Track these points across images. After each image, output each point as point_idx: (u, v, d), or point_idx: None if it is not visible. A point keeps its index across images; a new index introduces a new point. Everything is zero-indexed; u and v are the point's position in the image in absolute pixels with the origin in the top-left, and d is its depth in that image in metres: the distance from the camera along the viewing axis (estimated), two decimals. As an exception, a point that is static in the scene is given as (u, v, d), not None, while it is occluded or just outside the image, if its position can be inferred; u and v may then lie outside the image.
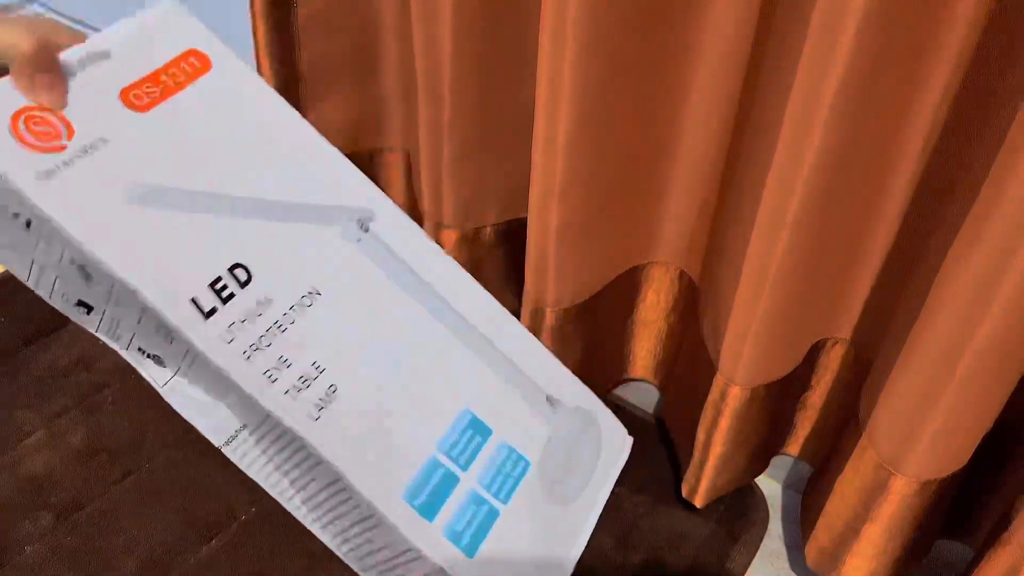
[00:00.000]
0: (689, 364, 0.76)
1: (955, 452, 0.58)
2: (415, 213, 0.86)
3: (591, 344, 0.77)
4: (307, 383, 0.39)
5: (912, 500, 0.60)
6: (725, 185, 0.66)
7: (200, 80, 0.42)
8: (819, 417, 0.75)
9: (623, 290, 0.77)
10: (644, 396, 0.88)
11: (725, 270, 0.64)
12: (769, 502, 0.80)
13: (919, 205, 0.57)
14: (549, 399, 0.46)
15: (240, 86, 0.43)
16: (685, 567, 0.73)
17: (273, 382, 0.38)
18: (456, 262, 0.45)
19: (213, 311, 0.37)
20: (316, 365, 0.39)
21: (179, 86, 0.41)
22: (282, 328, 0.39)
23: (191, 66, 0.42)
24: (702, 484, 0.74)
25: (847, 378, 0.70)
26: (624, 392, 0.89)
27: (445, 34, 0.64)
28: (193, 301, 0.37)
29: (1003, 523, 0.55)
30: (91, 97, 0.39)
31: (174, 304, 0.37)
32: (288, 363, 0.38)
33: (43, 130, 0.37)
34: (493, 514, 0.41)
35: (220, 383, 0.39)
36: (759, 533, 0.78)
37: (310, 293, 0.41)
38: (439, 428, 0.41)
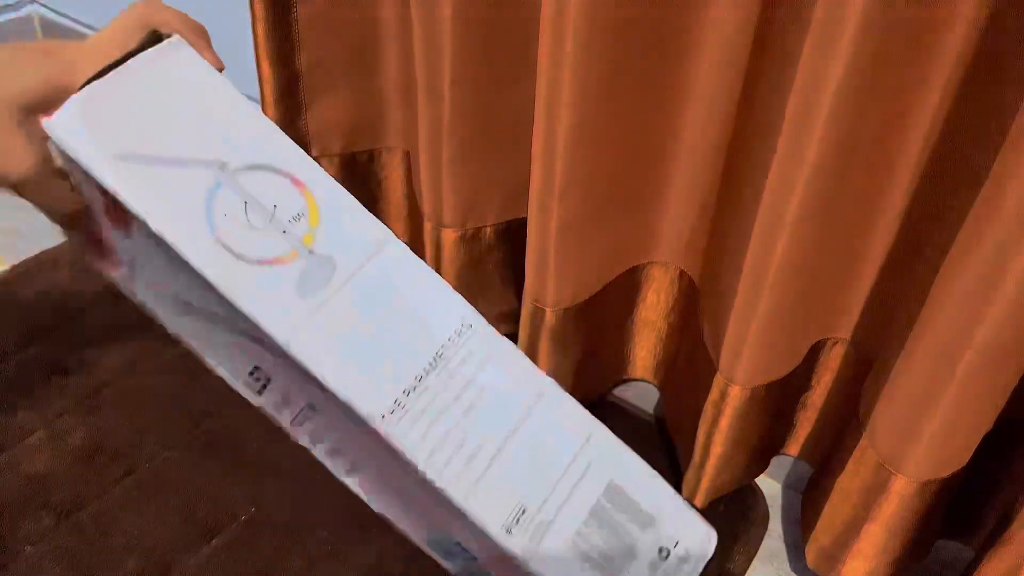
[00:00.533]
0: (689, 364, 0.76)
1: (955, 452, 0.58)
2: (415, 213, 0.86)
3: (591, 344, 0.77)
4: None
5: (912, 500, 0.60)
6: (725, 185, 0.66)
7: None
8: (819, 417, 0.75)
9: (623, 290, 0.77)
10: (644, 396, 0.88)
11: (725, 270, 0.64)
12: (769, 502, 0.80)
13: (919, 205, 0.57)
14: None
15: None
16: (685, 567, 0.73)
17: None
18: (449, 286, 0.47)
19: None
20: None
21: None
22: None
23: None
24: (702, 484, 0.74)
25: (847, 378, 0.70)
26: (624, 392, 0.89)
27: (445, 34, 0.64)
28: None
29: (1003, 523, 0.55)
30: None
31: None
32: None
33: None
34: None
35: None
36: (759, 533, 0.78)
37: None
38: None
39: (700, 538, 0.46)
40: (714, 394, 0.68)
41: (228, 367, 0.40)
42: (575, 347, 0.75)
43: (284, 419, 0.40)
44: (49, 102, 0.37)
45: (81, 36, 0.42)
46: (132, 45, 0.39)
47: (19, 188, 0.40)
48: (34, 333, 0.88)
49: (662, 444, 0.83)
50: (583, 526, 0.42)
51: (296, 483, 0.74)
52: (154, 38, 0.40)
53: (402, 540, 0.43)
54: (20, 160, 0.38)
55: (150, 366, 0.86)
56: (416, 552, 0.44)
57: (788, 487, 0.83)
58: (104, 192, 0.37)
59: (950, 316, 0.50)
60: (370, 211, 0.43)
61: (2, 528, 0.71)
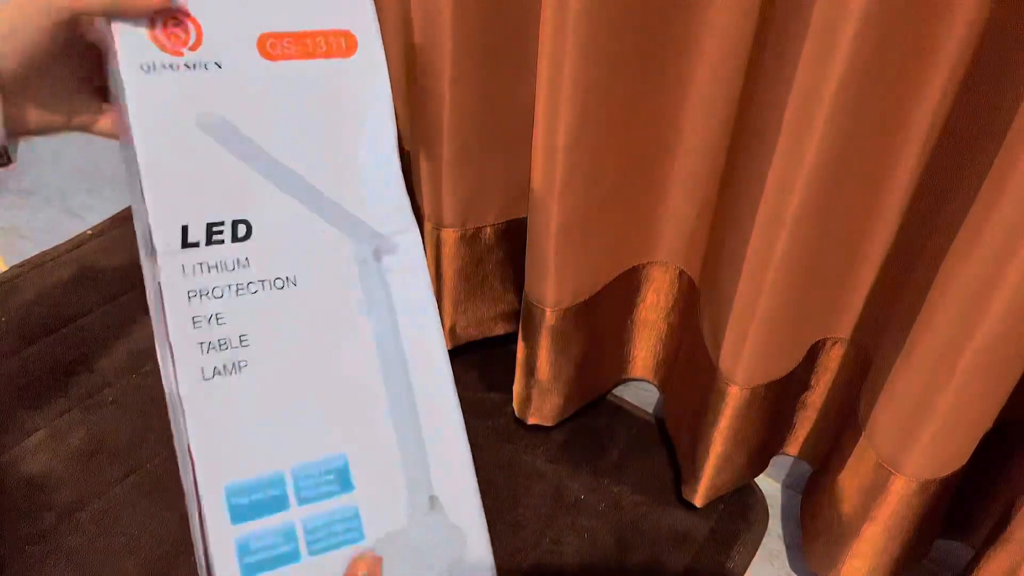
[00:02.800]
0: (689, 364, 0.76)
1: (955, 452, 0.58)
2: (414, 213, 0.86)
3: (591, 344, 0.77)
4: (224, 347, 0.39)
5: (912, 500, 0.60)
6: (725, 185, 0.66)
7: (335, 61, 0.43)
8: (819, 417, 0.75)
9: (623, 290, 0.77)
10: (644, 396, 0.88)
11: (725, 270, 0.64)
12: (769, 502, 0.81)
13: (919, 205, 0.57)
14: (432, 499, 0.43)
15: (363, 85, 0.44)
16: (685, 567, 0.73)
17: (195, 328, 0.39)
18: (441, 336, 0.45)
19: (194, 244, 0.40)
20: (243, 338, 0.40)
21: (313, 55, 0.43)
22: (239, 292, 0.40)
23: (337, 45, 0.44)
24: (702, 484, 0.74)
25: (847, 378, 0.70)
26: (624, 392, 0.89)
27: (445, 33, 0.64)
28: (183, 228, 0.39)
29: (1002, 523, 0.55)
30: (234, 25, 0.41)
31: (165, 222, 0.39)
32: (221, 321, 0.40)
33: (174, 32, 0.40)
34: (292, 558, 0.39)
35: (154, 300, 0.40)
36: (759, 533, 0.78)
37: (287, 279, 0.41)
38: (306, 454, 0.40)
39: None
40: (714, 394, 0.68)
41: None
42: (575, 347, 0.75)
43: None
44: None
45: None
46: None
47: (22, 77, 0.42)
48: (34, 333, 0.88)
49: (662, 444, 0.83)
50: None
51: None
52: None
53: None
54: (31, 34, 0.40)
55: (150, 366, 0.86)
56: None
57: (788, 487, 0.83)
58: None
59: (949, 316, 0.51)
60: None
61: (3, 528, 0.71)
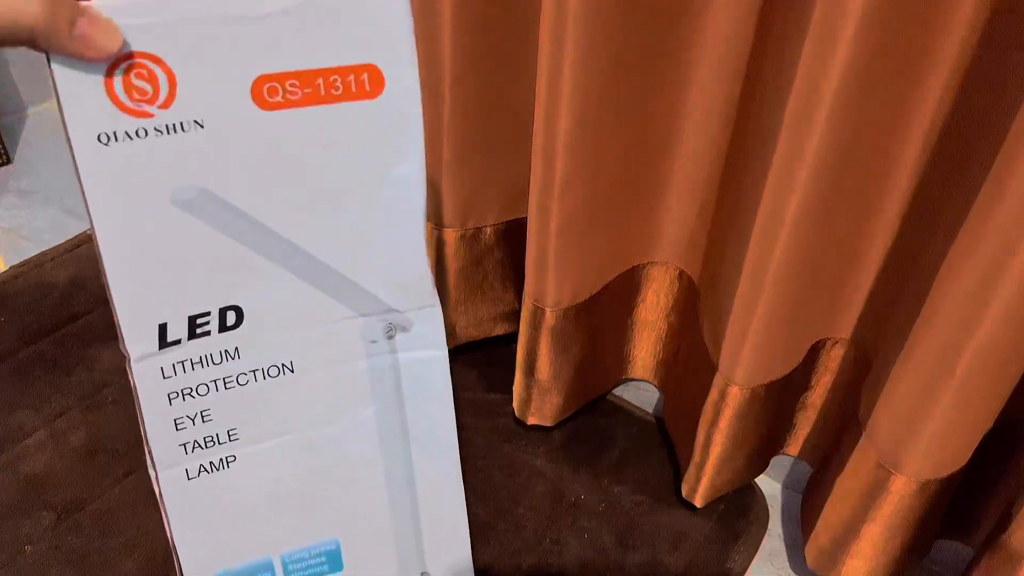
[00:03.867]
0: (689, 364, 0.76)
1: (955, 452, 0.58)
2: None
3: (591, 344, 0.77)
4: (210, 445, 0.35)
5: (912, 500, 0.60)
6: (725, 185, 0.66)
7: (355, 104, 0.34)
8: (819, 417, 0.75)
9: (623, 290, 0.77)
10: (644, 396, 0.88)
11: (725, 270, 0.64)
12: (769, 502, 0.80)
13: (919, 205, 0.57)
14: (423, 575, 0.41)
15: (389, 132, 0.35)
16: (685, 566, 0.73)
17: (177, 431, 0.35)
18: (452, 420, 0.40)
19: (175, 343, 0.34)
20: (232, 432, 0.36)
21: (327, 99, 0.33)
22: (228, 385, 0.35)
23: (358, 84, 0.33)
24: (702, 484, 0.74)
25: (847, 378, 0.70)
26: (624, 392, 0.89)
27: (445, 33, 0.64)
28: (161, 328, 0.34)
29: (1003, 523, 0.55)
30: (219, 69, 0.31)
31: (139, 324, 0.33)
32: (208, 418, 0.35)
33: (141, 86, 0.30)
34: None
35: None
36: (759, 533, 0.78)
37: (283, 366, 0.36)
38: (297, 540, 0.38)
39: None
40: (714, 394, 0.68)
41: None
42: (575, 347, 0.75)
43: None
44: None
45: None
46: None
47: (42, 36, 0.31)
48: (34, 333, 0.88)
49: (662, 444, 0.83)
50: None
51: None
52: None
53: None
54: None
55: (150, 366, 0.86)
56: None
57: (788, 487, 0.83)
58: None
59: (950, 316, 0.50)
60: None
61: (2, 528, 0.71)
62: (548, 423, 0.81)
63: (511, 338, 0.81)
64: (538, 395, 0.79)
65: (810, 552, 0.71)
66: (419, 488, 0.41)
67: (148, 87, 0.30)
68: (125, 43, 0.29)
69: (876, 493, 0.61)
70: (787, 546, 0.78)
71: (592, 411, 0.85)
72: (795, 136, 0.51)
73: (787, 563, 0.77)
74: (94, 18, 0.29)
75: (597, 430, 0.84)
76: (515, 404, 0.82)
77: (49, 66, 0.29)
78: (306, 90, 0.32)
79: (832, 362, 0.70)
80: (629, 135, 0.64)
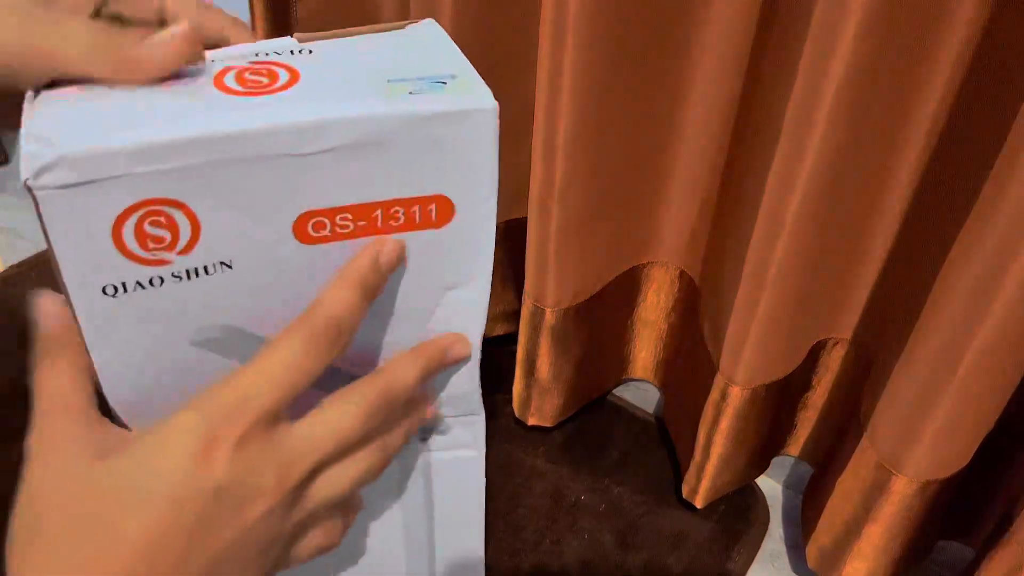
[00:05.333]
0: (689, 364, 0.76)
1: (956, 452, 0.58)
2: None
3: (591, 344, 0.77)
4: None
5: (913, 500, 0.60)
6: (725, 185, 0.66)
7: (417, 234, 0.29)
8: (820, 417, 0.75)
9: (623, 290, 0.77)
10: (644, 396, 0.88)
11: (725, 270, 0.64)
12: (769, 502, 0.80)
13: (920, 205, 0.57)
14: None
15: (452, 256, 0.30)
16: (685, 567, 0.73)
17: None
18: (482, 531, 0.38)
19: None
20: None
21: (384, 230, 0.28)
22: None
23: (424, 214, 0.29)
24: (702, 484, 0.74)
25: (848, 378, 0.70)
26: (624, 392, 0.89)
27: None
28: None
29: (1004, 523, 0.55)
30: (256, 212, 0.26)
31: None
32: None
33: (157, 234, 0.26)
34: None
35: None
36: (759, 533, 0.78)
37: None
38: None
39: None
40: (714, 394, 0.68)
41: None
42: (575, 347, 0.75)
43: None
44: None
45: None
46: None
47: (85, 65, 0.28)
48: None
49: (662, 444, 0.83)
50: None
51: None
52: None
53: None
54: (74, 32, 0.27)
55: (150, 366, 0.86)
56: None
57: (788, 487, 0.82)
58: None
59: (951, 316, 0.50)
60: None
61: (2, 528, 0.71)
62: (548, 423, 0.81)
63: (511, 338, 0.81)
64: (538, 395, 0.78)
65: (811, 553, 0.71)
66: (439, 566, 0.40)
67: (166, 234, 0.26)
68: (139, 190, 0.25)
69: (877, 494, 0.61)
70: (788, 547, 0.78)
71: (592, 411, 0.85)
72: (796, 136, 0.51)
73: (788, 564, 0.77)
74: (142, 38, 0.27)
75: (597, 430, 0.84)
76: (515, 404, 0.82)
77: (37, 209, 0.25)
78: (360, 223, 0.28)
79: (833, 362, 0.70)
80: (629, 135, 0.64)
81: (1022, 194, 0.44)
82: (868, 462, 0.61)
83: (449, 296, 0.32)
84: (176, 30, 0.27)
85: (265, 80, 0.27)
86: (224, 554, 0.28)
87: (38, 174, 0.24)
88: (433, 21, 0.33)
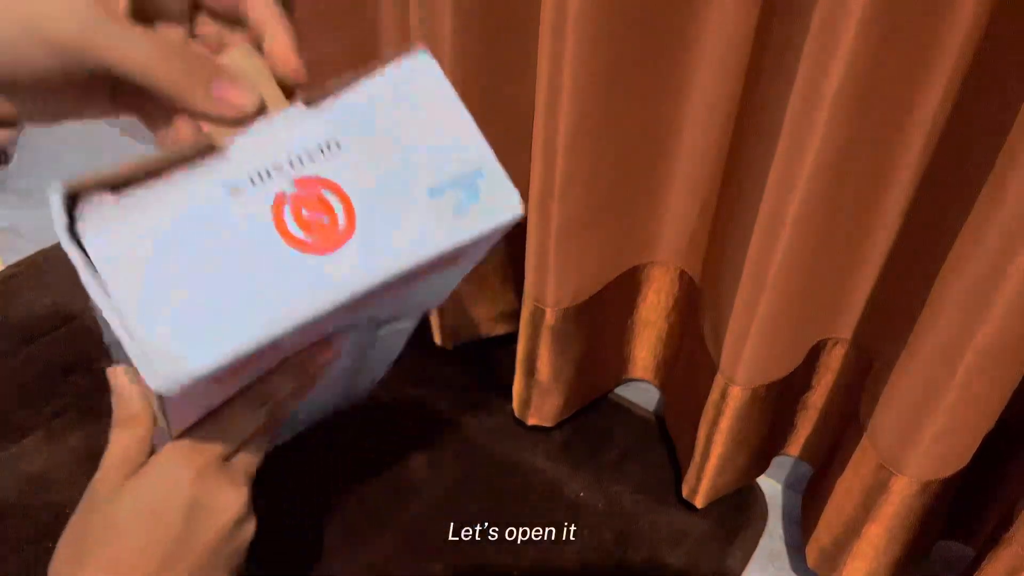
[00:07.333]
0: (689, 364, 0.76)
1: (956, 452, 0.58)
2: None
3: (591, 344, 0.77)
4: None
5: (913, 500, 0.60)
6: (726, 184, 0.66)
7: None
8: (820, 417, 0.75)
9: (623, 290, 0.77)
10: (644, 396, 0.88)
11: (726, 270, 0.64)
12: (769, 502, 0.80)
13: (920, 204, 0.57)
14: None
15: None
16: (685, 566, 0.73)
17: None
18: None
19: None
20: None
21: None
22: None
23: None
24: (702, 484, 0.74)
25: (848, 378, 0.70)
26: (624, 392, 0.89)
27: (445, 33, 0.63)
28: None
29: (1004, 523, 0.55)
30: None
31: None
32: None
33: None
34: None
35: None
36: (759, 533, 0.78)
37: None
38: None
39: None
40: (714, 394, 0.68)
41: None
42: (575, 347, 0.75)
43: None
44: None
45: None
46: None
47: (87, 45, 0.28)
48: (34, 333, 0.88)
49: (662, 444, 0.83)
50: None
51: (292, 484, 0.74)
52: None
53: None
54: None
55: (150, 366, 0.86)
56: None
57: (788, 487, 0.82)
58: None
59: (951, 316, 0.50)
60: None
61: (2, 528, 0.71)
62: (548, 423, 0.81)
63: (511, 338, 0.81)
64: (538, 395, 0.78)
65: (811, 553, 0.71)
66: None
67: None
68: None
69: (877, 494, 0.61)
70: (788, 547, 0.78)
71: (592, 411, 0.85)
72: (796, 136, 0.51)
73: (787, 563, 0.77)
74: (232, 78, 0.28)
75: (597, 430, 0.84)
76: (515, 404, 0.82)
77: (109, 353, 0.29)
78: None
79: (833, 362, 0.70)
80: (629, 135, 0.64)
81: (1022, 194, 0.44)
82: (868, 462, 0.61)
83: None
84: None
85: (326, 220, 0.29)
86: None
87: (170, 385, 0.27)
88: (426, 54, 0.35)
